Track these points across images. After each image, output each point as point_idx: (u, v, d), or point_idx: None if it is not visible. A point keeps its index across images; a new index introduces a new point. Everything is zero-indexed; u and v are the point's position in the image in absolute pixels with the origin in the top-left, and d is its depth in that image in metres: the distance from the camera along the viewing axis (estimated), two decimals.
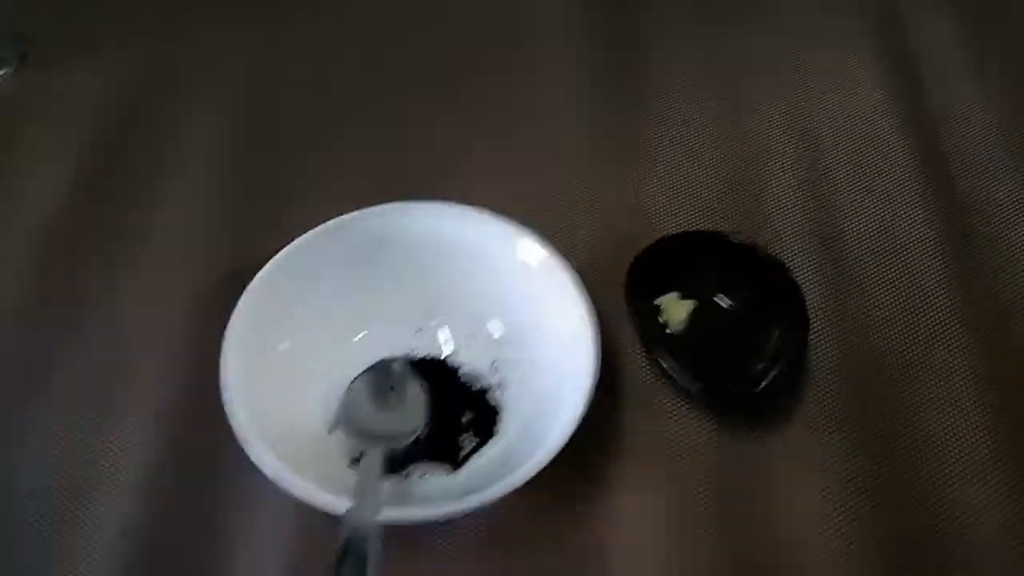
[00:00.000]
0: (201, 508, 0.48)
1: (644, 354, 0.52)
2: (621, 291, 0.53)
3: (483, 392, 0.51)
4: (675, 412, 0.51)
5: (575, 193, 0.60)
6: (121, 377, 0.52)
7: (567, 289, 0.49)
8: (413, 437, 0.47)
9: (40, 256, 0.58)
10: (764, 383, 0.50)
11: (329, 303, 0.51)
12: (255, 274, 0.50)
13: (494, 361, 0.52)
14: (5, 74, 0.68)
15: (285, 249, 0.50)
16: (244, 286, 0.50)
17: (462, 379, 0.51)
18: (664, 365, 0.50)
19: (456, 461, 0.48)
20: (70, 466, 0.49)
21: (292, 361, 0.49)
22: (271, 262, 0.50)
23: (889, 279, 0.56)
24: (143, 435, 0.50)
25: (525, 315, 0.52)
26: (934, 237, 0.58)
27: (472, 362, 0.52)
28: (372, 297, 0.52)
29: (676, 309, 0.53)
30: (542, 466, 0.43)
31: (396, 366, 0.50)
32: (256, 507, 0.47)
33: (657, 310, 0.54)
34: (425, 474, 0.48)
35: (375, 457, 0.44)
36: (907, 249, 0.57)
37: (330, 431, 0.49)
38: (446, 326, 0.53)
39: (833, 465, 0.49)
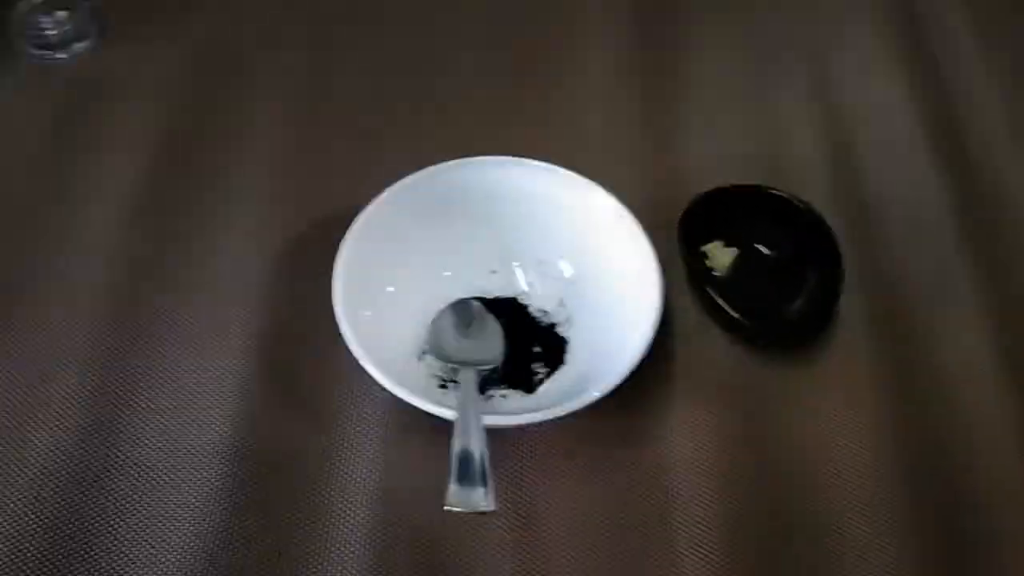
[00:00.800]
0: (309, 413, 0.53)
1: (693, 293, 0.56)
2: (667, 240, 0.57)
3: (552, 326, 0.55)
4: (720, 345, 0.55)
5: (624, 151, 0.65)
6: (221, 332, 0.56)
7: (633, 234, 0.53)
8: (493, 365, 0.52)
9: (128, 221, 0.62)
10: (801, 323, 0.55)
11: (416, 247, 0.56)
12: (338, 228, 0.54)
13: (562, 299, 0.56)
14: (86, 48, 0.73)
15: (374, 202, 0.55)
16: (331, 237, 0.54)
17: (532, 315, 0.56)
18: (714, 298, 0.55)
19: (531, 386, 0.53)
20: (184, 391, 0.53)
21: (387, 297, 0.54)
22: (363, 214, 0.54)
23: (911, 231, 0.61)
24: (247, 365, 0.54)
25: (591, 258, 0.56)
26: (952, 195, 0.63)
27: (542, 300, 0.57)
28: (452, 243, 0.57)
29: (721, 255, 0.58)
30: (612, 387, 0.47)
31: (474, 305, 0.55)
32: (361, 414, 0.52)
33: (704, 256, 0.58)
34: (505, 396, 0.52)
35: (469, 376, 0.49)
36: (928, 204, 0.62)
37: (420, 357, 0.54)
38: (519, 267, 0.58)
39: (860, 393, 0.54)
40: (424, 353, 0.54)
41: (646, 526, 0.49)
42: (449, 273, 0.57)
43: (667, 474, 0.50)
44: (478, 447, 0.44)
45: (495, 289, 0.57)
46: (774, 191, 0.59)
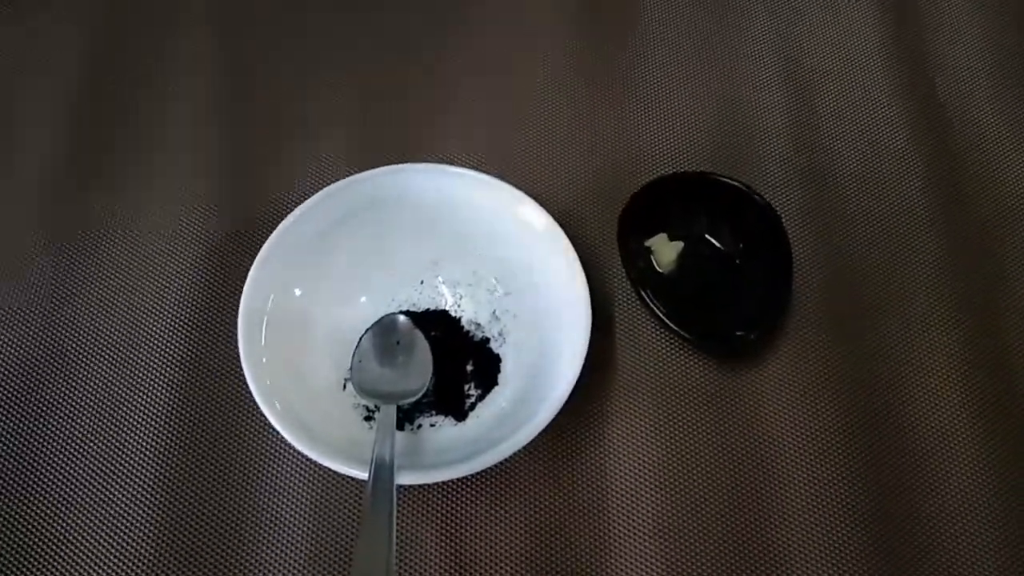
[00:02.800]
0: (217, 462, 0.51)
1: (637, 296, 0.54)
2: (615, 233, 0.54)
3: (485, 341, 0.53)
4: (664, 349, 0.54)
5: (566, 138, 0.61)
6: (134, 344, 0.55)
7: (561, 249, 0.51)
8: (421, 392, 0.50)
9: (40, 207, 0.60)
10: (749, 323, 0.53)
11: (335, 261, 0.53)
12: (256, 233, 0.52)
13: (495, 311, 0.54)
14: None
15: (291, 215, 0.52)
16: (250, 244, 0.52)
17: (464, 329, 0.54)
18: (652, 308, 0.52)
19: (462, 413, 0.51)
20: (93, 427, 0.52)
21: (304, 321, 0.51)
22: (279, 228, 0.51)
23: (872, 214, 0.58)
24: (159, 389, 0.53)
25: (523, 270, 0.53)
26: (919, 174, 0.60)
27: (473, 313, 0.54)
28: (375, 255, 0.54)
29: (665, 250, 0.56)
30: (546, 423, 0.46)
31: (401, 322, 0.53)
32: (274, 460, 0.51)
33: (649, 251, 0.56)
34: (434, 425, 0.51)
35: (389, 413, 0.47)
36: (891, 184, 0.59)
37: (344, 387, 0.51)
38: (447, 279, 0.55)
39: (815, 393, 0.52)
40: (347, 380, 0.52)
41: (586, 536, 0.49)
42: (374, 286, 0.54)
43: (603, 489, 0.50)
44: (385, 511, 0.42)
45: (423, 302, 0.55)
46: (720, 178, 0.56)
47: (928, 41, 0.65)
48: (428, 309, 0.54)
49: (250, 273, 0.50)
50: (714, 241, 0.56)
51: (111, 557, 0.49)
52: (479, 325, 0.54)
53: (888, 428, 0.52)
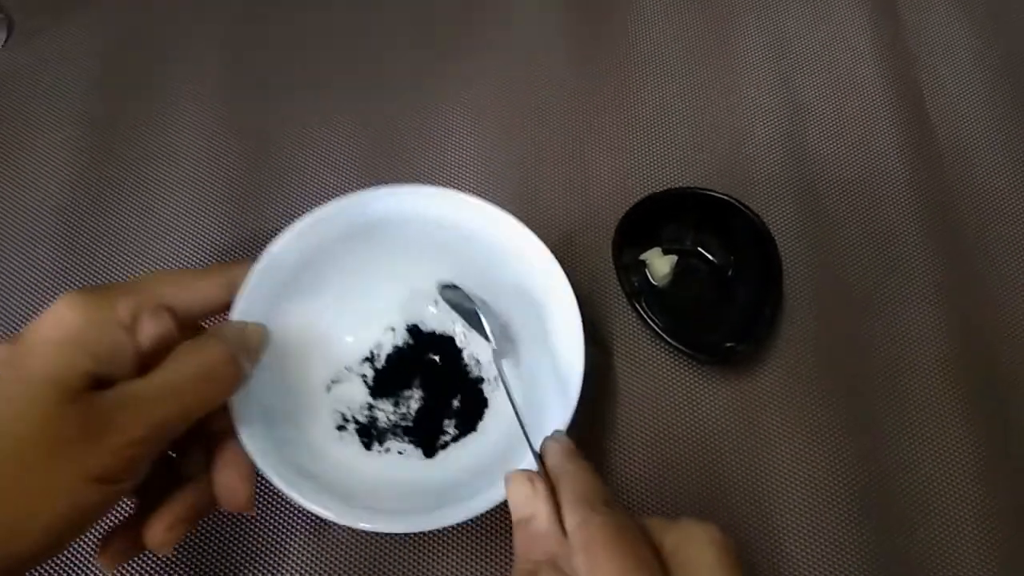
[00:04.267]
0: None
1: (632, 309, 0.56)
2: (611, 248, 0.56)
3: (478, 381, 0.52)
4: (660, 361, 0.55)
5: (560, 158, 0.63)
6: None
7: (569, 315, 0.47)
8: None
9: (52, 230, 0.61)
10: (741, 334, 0.54)
11: (333, 279, 0.51)
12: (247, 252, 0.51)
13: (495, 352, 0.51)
14: None
15: (291, 228, 0.48)
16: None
17: (463, 362, 0.53)
18: (648, 321, 0.54)
19: (433, 448, 0.50)
20: None
21: (294, 333, 0.49)
22: (276, 241, 0.47)
23: (862, 226, 0.60)
24: None
25: (530, 320, 0.50)
26: (910, 185, 0.61)
27: (476, 350, 0.53)
28: (374, 272, 0.52)
29: (659, 264, 0.57)
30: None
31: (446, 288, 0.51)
32: None
33: (644, 265, 0.58)
34: (402, 453, 0.50)
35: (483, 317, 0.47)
36: (881, 196, 0.61)
37: (328, 388, 0.51)
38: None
39: (808, 401, 0.54)
40: (333, 383, 0.51)
41: None
42: (384, 302, 0.53)
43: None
44: None
45: (432, 325, 0.54)
46: (710, 192, 0.57)
47: (919, 56, 0.67)
48: (435, 332, 0.54)
49: (248, 280, 0.46)
50: (707, 254, 0.58)
51: None
52: (478, 363, 0.53)
53: (881, 434, 0.53)
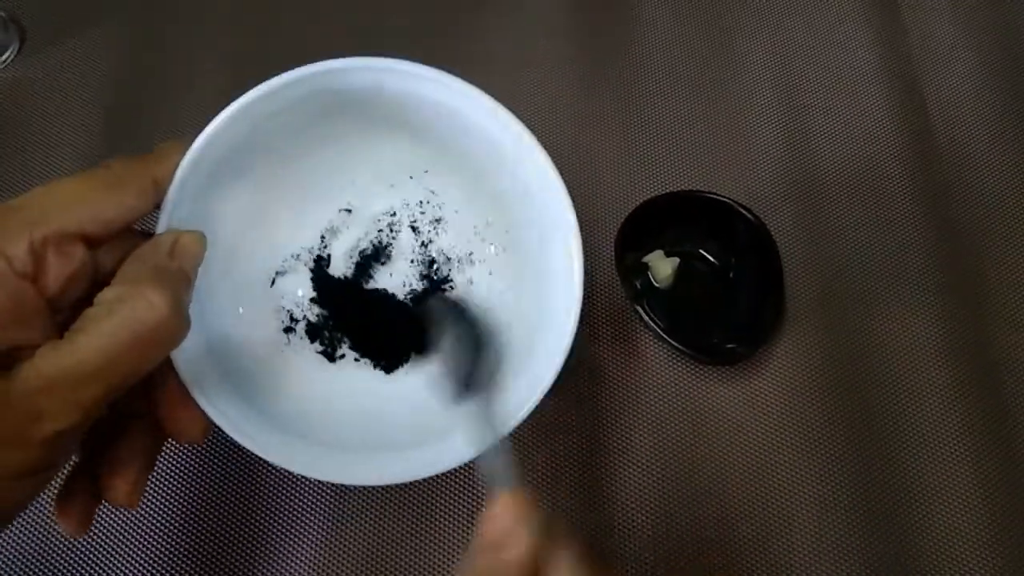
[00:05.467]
0: None
1: (635, 312, 0.56)
2: (613, 250, 0.57)
3: (444, 281, 0.46)
4: (662, 363, 0.56)
5: (564, 164, 0.62)
6: None
7: (567, 236, 0.43)
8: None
9: None
10: (743, 334, 0.55)
11: (286, 161, 0.44)
12: None
13: (471, 254, 0.47)
14: (7, 59, 0.70)
15: (235, 102, 0.40)
16: None
17: (432, 260, 0.47)
18: (650, 323, 0.55)
19: (392, 365, 0.44)
20: None
21: (233, 221, 0.42)
22: (218, 118, 0.39)
23: (862, 228, 0.60)
24: None
25: (519, 228, 0.45)
26: (911, 187, 0.62)
27: (448, 244, 0.47)
28: (340, 153, 0.45)
29: (661, 266, 0.58)
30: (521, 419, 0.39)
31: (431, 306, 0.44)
32: None
33: (646, 267, 0.58)
34: (358, 360, 0.44)
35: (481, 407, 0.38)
36: (882, 193, 0.62)
37: (272, 283, 0.45)
38: (429, 192, 0.47)
39: (809, 400, 0.55)
40: (277, 274, 0.45)
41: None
42: (334, 179, 0.46)
43: (604, 497, 0.52)
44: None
45: (382, 207, 0.47)
46: (711, 195, 0.58)
47: (920, 58, 0.67)
48: (391, 217, 0.46)
49: (177, 175, 0.37)
50: (709, 256, 0.59)
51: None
52: (448, 260, 0.47)
53: (883, 435, 0.54)
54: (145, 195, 0.34)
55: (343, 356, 0.44)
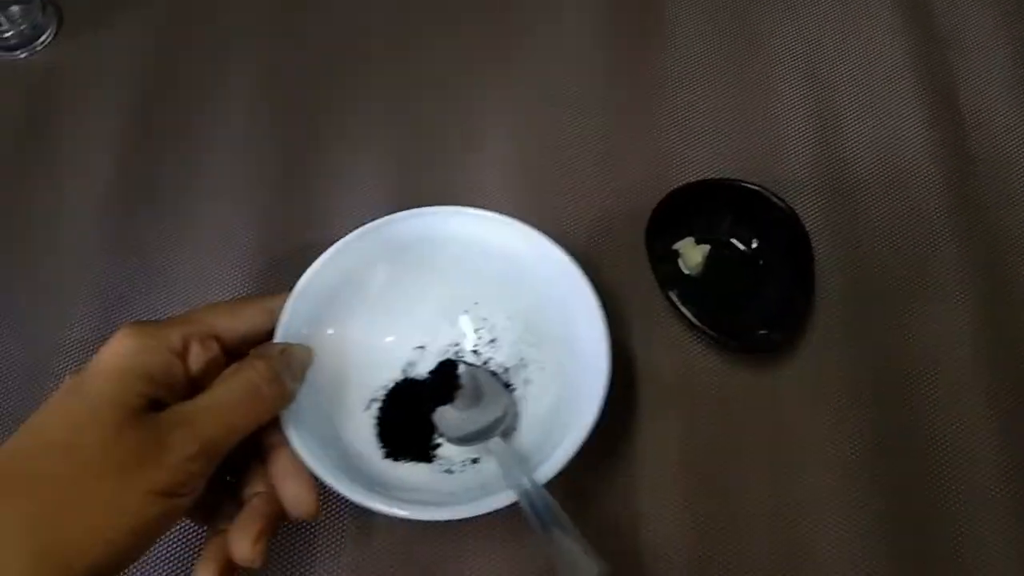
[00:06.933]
0: None
1: (664, 298, 0.57)
2: (643, 237, 0.57)
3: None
4: (691, 350, 0.56)
5: (597, 152, 0.64)
6: None
7: (591, 312, 0.50)
8: (506, 416, 0.51)
9: (102, 221, 0.63)
10: (773, 322, 0.55)
11: (367, 300, 0.54)
12: (293, 263, 0.52)
13: (522, 358, 0.54)
14: (45, 40, 0.71)
15: (325, 254, 0.52)
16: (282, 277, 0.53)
17: (494, 370, 0.55)
18: (680, 309, 0.55)
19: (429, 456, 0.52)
20: None
21: (334, 352, 0.52)
22: (312, 268, 0.51)
23: (895, 220, 0.60)
24: None
25: (551, 321, 0.53)
26: (940, 178, 0.61)
27: (503, 359, 0.55)
28: (406, 295, 0.55)
29: (692, 253, 0.58)
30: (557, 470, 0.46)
31: (460, 369, 0.54)
32: None
33: (677, 255, 0.59)
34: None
35: (498, 446, 0.49)
36: (912, 183, 0.61)
37: (367, 408, 0.53)
38: (481, 319, 0.56)
39: (837, 390, 0.55)
40: (371, 401, 0.53)
41: (614, 543, 0.51)
42: (403, 324, 0.55)
43: (627, 488, 0.53)
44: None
45: (452, 338, 0.56)
46: (743, 183, 0.58)
47: (952, 51, 0.67)
48: (458, 353, 0.55)
49: (286, 306, 0.49)
50: (739, 244, 0.59)
51: None
52: (506, 370, 0.55)
53: (911, 426, 0.54)
54: (262, 316, 0.48)
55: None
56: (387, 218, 0.53)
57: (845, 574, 0.50)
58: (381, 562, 0.52)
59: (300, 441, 0.45)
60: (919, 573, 0.50)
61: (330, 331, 0.52)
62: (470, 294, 0.56)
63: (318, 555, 0.52)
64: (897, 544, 0.51)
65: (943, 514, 0.52)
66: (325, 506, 0.53)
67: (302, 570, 0.52)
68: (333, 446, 0.49)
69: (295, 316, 0.50)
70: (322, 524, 0.53)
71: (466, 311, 0.56)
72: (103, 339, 0.41)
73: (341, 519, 0.53)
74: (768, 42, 0.68)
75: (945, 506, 0.52)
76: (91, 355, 0.41)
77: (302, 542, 0.52)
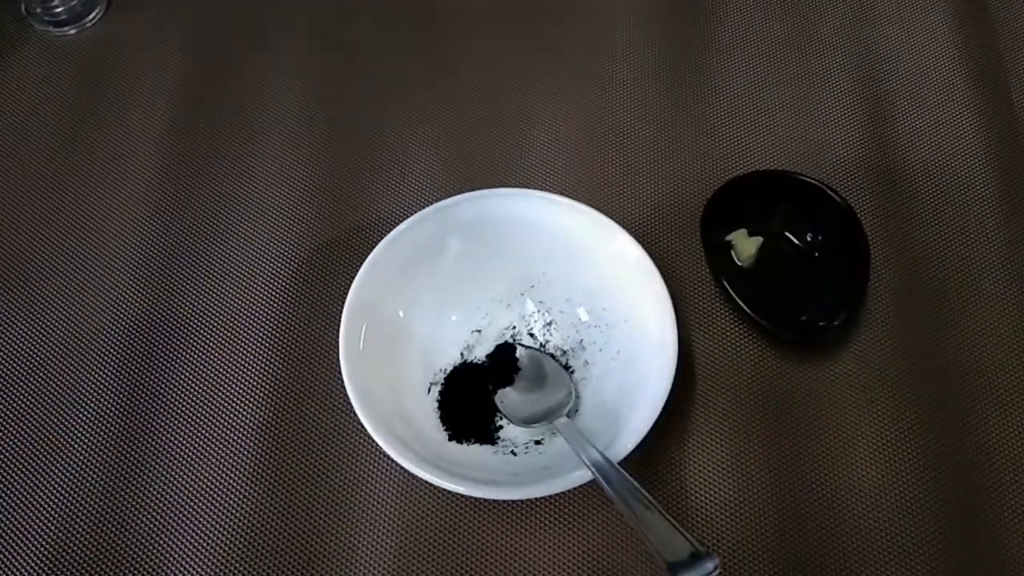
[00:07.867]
0: (311, 462, 0.54)
1: (717, 288, 0.57)
2: (697, 228, 0.57)
3: (565, 369, 0.54)
4: (742, 340, 0.56)
5: (649, 142, 0.64)
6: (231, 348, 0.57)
7: (656, 292, 0.51)
8: (571, 398, 0.51)
9: (150, 199, 0.63)
10: (827, 315, 0.55)
11: (432, 280, 0.55)
12: (353, 246, 0.55)
13: (581, 340, 0.55)
14: (95, 17, 0.71)
15: (390, 235, 0.53)
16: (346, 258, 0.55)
17: (551, 352, 0.55)
18: (735, 299, 0.55)
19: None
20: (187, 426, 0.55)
21: (398, 333, 0.54)
22: (379, 247, 0.53)
23: (948, 216, 0.60)
24: (256, 399, 0.56)
25: (616, 305, 0.54)
26: (995, 174, 0.61)
27: (560, 340, 0.55)
28: (469, 275, 0.56)
29: (745, 244, 0.58)
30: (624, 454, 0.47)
31: (519, 352, 0.55)
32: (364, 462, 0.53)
33: (730, 246, 0.58)
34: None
35: (567, 427, 0.49)
36: (967, 186, 0.61)
37: (428, 391, 0.54)
38: (538, 302, 0.56)
39: (889, 385, 0.54)
40: (431, 384, 0.54)
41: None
42: (466, 305, 0.56)
43: (683, 479, 0.52)
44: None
45: (513, 323, 0.56)
46: (800, 176, 0.58)
47: (1004, 46, 0.66)
48: (515, 336, 0.56)
49: (359, 275, 0.52)
50: (792, 237, 0.59)
51: (201, 547, 0.52)
52: (564, 352, 0.55)
53: (961, 423, 0.53)
54: None
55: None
56: (458, 197, 0.55)
57: (896, 570, 0.50)
58: (426, 539, 0.51)
59: (369, 420, 0.47)
60: (968, 569, 0.50)
61: (401, 313, 0.54)
62: (529, 276, 0.56)
63: (363, 528, 0.52)
64: (948, 543, 0.50)
65: (997, 513, 0.51)
66: (369, 482, 0.53)
67: (350, 542, 0.51)
68: (400, 424, 0.49)
69: (365, 285, 0.52)
70: (369, 499, 0.53)
71: (522, 293, 0.57)
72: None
73: (387, 495, 0.53)
74: (823, 38, 0.67)
75: (1000, 505, 0.51)
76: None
77: (348, 513, 0.52)
